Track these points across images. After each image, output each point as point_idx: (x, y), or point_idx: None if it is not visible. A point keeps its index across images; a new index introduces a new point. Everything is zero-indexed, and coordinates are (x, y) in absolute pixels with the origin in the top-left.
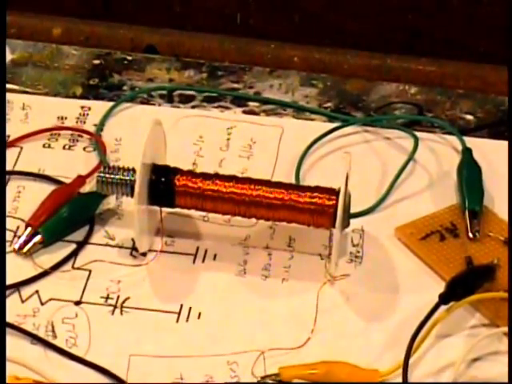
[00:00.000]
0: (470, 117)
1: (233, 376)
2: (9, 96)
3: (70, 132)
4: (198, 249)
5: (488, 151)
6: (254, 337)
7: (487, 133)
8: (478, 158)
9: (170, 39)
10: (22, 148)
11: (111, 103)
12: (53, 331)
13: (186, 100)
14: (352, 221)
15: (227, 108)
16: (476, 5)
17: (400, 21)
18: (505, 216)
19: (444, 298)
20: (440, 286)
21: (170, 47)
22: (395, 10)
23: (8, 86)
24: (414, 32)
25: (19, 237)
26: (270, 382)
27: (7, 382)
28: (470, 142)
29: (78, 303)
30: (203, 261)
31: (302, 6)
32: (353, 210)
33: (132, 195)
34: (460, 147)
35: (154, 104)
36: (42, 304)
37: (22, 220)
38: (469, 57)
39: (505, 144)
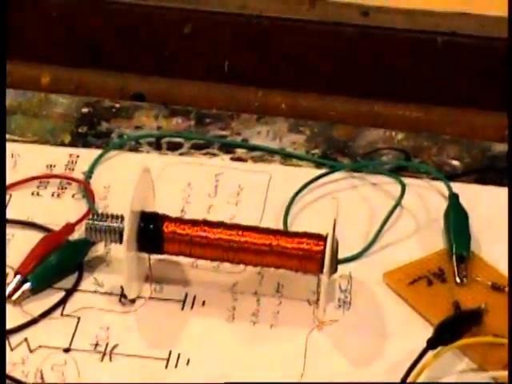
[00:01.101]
0: (456, 162)
1: None
2: None
3: (58, 180)
4: (186, 295)
5: (475, 197)
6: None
7: (474, 178)
8: (464, 204)
9: (158, 87)
10: (11, 196)
11: (99, 151)
12: (42, 378)
13: (173, 147)
14: (340, 266)
15: (215, 155)
16: (461, 50)
17: (387, 67)
18: (492, 261)
19: (432, 343)
20: (428, 331)
21: (158, 95)
22: (382, 55)
23: None
24: (400, 78)
25: (8, 284)
26: None
27: None
28: (457, 187)
29: (67, 350)
30: (192, 307)
31: (288, 52)
32: (340, 255)
33: (121, 242)
34: (447, 193)
35: (142, 151)
36: (31, 351)
37: (12, 268)
38: (455, 102)
39: (492, 189)
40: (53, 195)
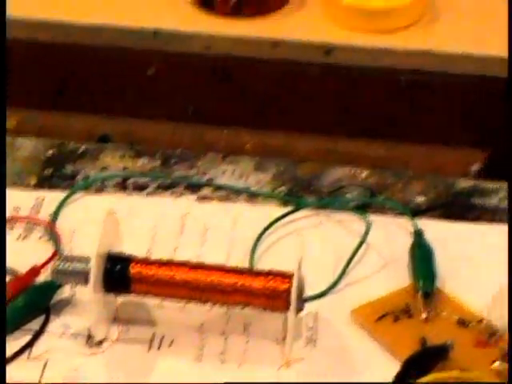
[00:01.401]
0: (421, 198)
1: None
2: None
3: (24, 222)
4: (154, 335)
5: (440, 232)
6: None
7: (439, 214)
8: (430, 239)
9: (123, 128)
10: None
11: (65, 193)
12: None
13: (139, 188)
14: (306, 304)
15: (181, 194)
16: (424, 87)
17: (351, 105)
18: (457, 296)
19: (399, 379)
20: (395, 367)
21: (124, 136)
22: (345, 95)
23: None
24: (364, 115)
25: None
26: None
27: None
28: (422, 223)
29: None
30: (159, 347)
31: (253, 92)
32: (307, 293)
33: (87, 284)
34: (412, 229)
35: (107, 192)
36: None
37: None
38: (419, 139)
39: (456, 225)
40: (19, 238)
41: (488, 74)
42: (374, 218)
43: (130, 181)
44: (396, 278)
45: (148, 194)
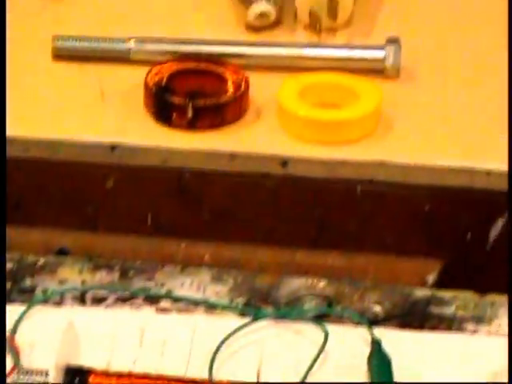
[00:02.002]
0: (378, 307)
1: None
2: None
3: None
4: None
5: (397, 341)
6: None
7: (396, 323)
8: (387, 349)
9: (82, 241)
10: None
11: (24, 306)
12: None
13: (98, 300)
14: None
15: (140, 306)
16: (381, 197)
17: (307, 216)
18: None
19: None
20: None
21: (83, 248)
22: (302, 205)
23: None
24: (321, 226)
25: None
26: None
27: None
28: (380, 332)
29: None
30: None
31: (211, 204)
32: None
33: None
34: (370, 338)
35: (66, 305)
36: None
37: None
38: (376, 249)
39: (413, 334)
40: None
41: (441, 184)
42: (332, 328)
43: (89, 294)
44: None
45: (107, 307)
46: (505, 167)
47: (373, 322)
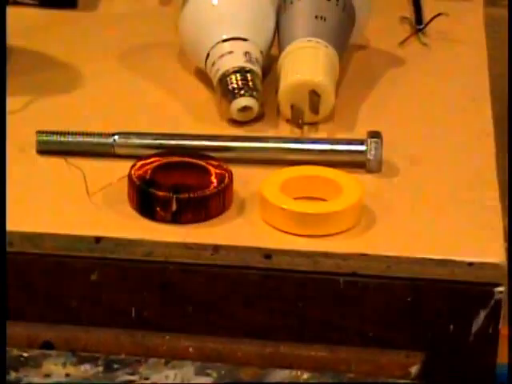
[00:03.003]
0: None
1: None
2: None
3: None
4: None
5: None
6: None
7: None
8: None
9: (65, 334)
10: None
11: None
12: None
13: None
14: None
15: None
16: (364, 290)
17: (291, 308)
18: None
19: None
20: None
21: (66, 342)
22: (286, 298)
23: None
24: (304, 319)
25: None
26: None
27: None
28: None
29: None
30: None
31: (194, 297)
32: None
33: None
34: None
35: None
36: None
37: None
38: (360, 341)
39: None
40: None
41: (423, 275)
42: None
43: None
44: None
45: None
46: (486, 259)
47: None
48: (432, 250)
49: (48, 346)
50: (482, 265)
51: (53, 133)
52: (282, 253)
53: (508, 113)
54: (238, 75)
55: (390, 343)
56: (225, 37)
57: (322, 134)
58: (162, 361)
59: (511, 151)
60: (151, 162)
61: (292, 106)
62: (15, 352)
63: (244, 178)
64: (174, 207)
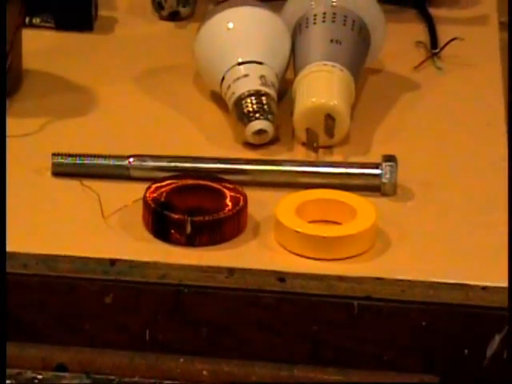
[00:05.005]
0: None
1: None
2: None
3: None
4: None
5: None
6: None
7: None
8: None
9: (79, 357)
10: None
11: None
12: None
13: None
14: None
15: None
16: (377, 313)
17: (305, 331)
18: None
19: None
20: None
21: (81, 365)
22: (300, 321)
23: None
24: (319, 342)
25: None
26: None
27: None
28: None
29: None
30: None
31: (209, 319)
32: None
33: None
34: None
35: None
36: None
37: None
38: (374, 365)
39: None
40: None
41: (437, 300)
42: None
43: None
44: None
45: None
46: (501, 283)
47: None
48: (446, 274)
49: (62, 368)
50: (497, 289)
51: (68, 155)
52: (297, 276)
53: (508, 113)
54: (253, 98)
55: (405, 367)
56: (240, 60)
57: (336, 158)
58: (176, 383)
59: (511, 156)
60: (166, 185)
61: (307, 130)
62: (29, 374)
63: (259, 201)
64: (189, 230)
